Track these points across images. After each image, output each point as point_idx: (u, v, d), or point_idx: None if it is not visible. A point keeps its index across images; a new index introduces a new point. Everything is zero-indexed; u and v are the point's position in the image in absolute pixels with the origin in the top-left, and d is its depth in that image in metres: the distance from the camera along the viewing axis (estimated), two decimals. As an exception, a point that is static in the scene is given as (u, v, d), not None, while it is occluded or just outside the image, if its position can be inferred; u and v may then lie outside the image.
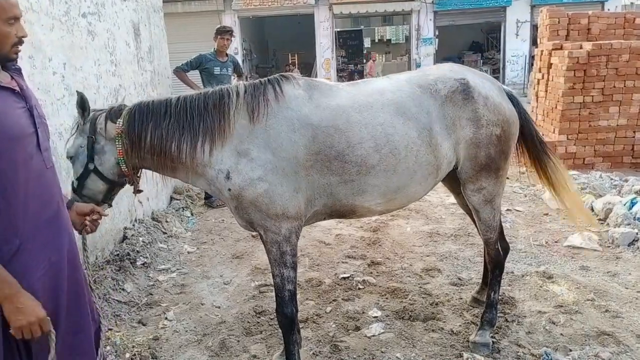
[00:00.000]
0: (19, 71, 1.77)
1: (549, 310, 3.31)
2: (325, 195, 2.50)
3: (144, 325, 3.39)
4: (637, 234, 4.35)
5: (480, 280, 3.47)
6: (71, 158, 2.42)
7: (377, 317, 3.34)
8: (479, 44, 22.60)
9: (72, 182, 2.43)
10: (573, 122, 7.06)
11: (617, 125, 7.03)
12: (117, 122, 2.38)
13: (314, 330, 3.22)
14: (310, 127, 2.41)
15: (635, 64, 6.81)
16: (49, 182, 1.74)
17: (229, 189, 2.40)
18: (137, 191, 2.57)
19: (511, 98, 2.86)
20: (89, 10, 4.01)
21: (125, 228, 4.49)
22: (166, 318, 3.45)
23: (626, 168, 7.02)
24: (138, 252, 4.26)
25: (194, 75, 6.01)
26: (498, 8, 18.95)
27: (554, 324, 3.16)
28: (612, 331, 3.03)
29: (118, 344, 3.02)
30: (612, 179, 6.08)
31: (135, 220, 4.76)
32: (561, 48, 7.29)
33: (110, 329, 3.14)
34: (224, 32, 6.01)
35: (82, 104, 2.35)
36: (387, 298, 3.61)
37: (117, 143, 2.37)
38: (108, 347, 2.86)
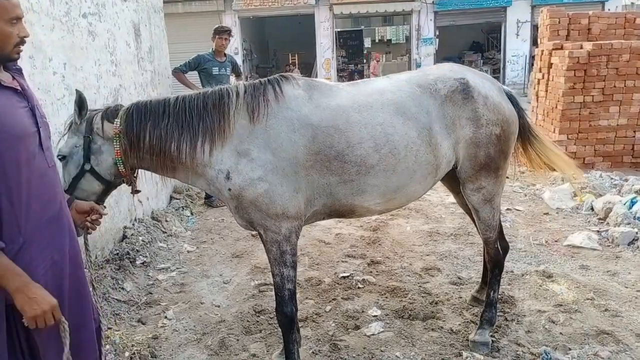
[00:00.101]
0: (19, 71, 1.78)
1: (549, 309, 3.32)
2: (324, 195, 2.51)
3: (143, 324, 3.40)
4: (637, 233, 4.35)
5: (480, 280, 3.48)
6: (63, 158, 2.33)
7: (376, 316, 3.34)
8: (479, 44, 22.60)
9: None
10: (573, 121, 7.06)
11: (618, 125, 7.03)
12: (115, 122, 2.35)
13: (314, 329, 3.23)
14: (310, 127, 2.41)
15: (635, 63, 6.81)
16: (51, 181, 1.75)
17: (229, 189, 2.40)
18: (135, 191, 2.55)
19: (510, 98, 2.86)
20: (90, 10, 4.02)
21: (125, 227, 4.49)
22: (166, 317, 3.46)
23: (626, 167, 7.02)
24: (138, 251, 4.27)
25: (193, 76, 6.02)
26: (498, 8, 18.96)
27: (554, 323, 3.16)
28: (611, 330, 3.04)
29: (117, 342, 3.03)
30: (612, 178, 6.08)
31: (135, 220, 4.76)
32: (561, 48, 7.29)
33: (110, 328, 3.15)
34: (221, 32, 6.01)
35: (80, 103, 2.30)
36: (386, 297, 3.61)
37: (114, 143, 2.34)
38: (107, 346, 2.86)
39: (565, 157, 3.13)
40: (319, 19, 19.37)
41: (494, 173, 2.74)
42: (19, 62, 1.76)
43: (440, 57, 19.22)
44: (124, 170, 2.39)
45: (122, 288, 3.74)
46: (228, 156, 2.38)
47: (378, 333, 3.13)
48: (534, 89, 8.37)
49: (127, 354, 2.97)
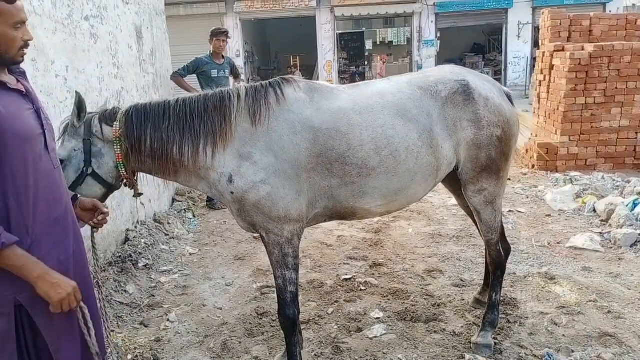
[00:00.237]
0: (23, 74, 1.79)
1: (551, 312, 3.31)
2: (326, 197, 2.51)
3: (145, 326, 3.40)
4: (639, 235, 4.34)
5: (482, 282, 3.47)
6: (61, 162, 2.22)
7: (379, 318, 3.34)
8: (480, 45, 22.58)
9: None
10: (575, 123, 7.05)
11: (619, 126, 7.02)
12: (114, 125, 2.33)
13: (316, 331, 3.23)
14: (312, 129, 2.41)
15: (637, 65, 6.81)
16: (57, 182, 1.77)
17: (232, 192, 2.40)
18: (137, 194, 2.54)
19: (508, 98, 2.87)
20: (92, 13, 4.03)
21: (128, 230, 4.50)
22: (168, 319, 3.46)
23: (628, 169, 7.02)
24: (140, 253, 4.28)
25: (192, 80, 6.03)
26: (499, 10, 18.93)
27: (556, 325, 3.15)
28: (614, 332, 3.03)
29: (120, 345, 3.03)
30: (614, 180, 6.07)
31: (138, 222, 4.77)
32: (563, 50, 7.29)
33: (113, 331, 3.15)
34: (219, 34, 6.01)
35: (80, 105, 2.28)
36: (389, 299, 3.61)
37: (115, 146, 2.32)
38: (110, 349, 2.87)
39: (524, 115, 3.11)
40: (320, 21, 19.38)
41: (495, 175, 2.74)
42: (22, 65, 1.77)
43: (442, 59, 19.21)
44: (125, 173, 2.39)
45: (125, 291, 3.74)
46: (230, 159, 2.38)
47: (380, 335, 3.13)
48: (536, 90, 8.36)
49: (129, 356, 2.97)
